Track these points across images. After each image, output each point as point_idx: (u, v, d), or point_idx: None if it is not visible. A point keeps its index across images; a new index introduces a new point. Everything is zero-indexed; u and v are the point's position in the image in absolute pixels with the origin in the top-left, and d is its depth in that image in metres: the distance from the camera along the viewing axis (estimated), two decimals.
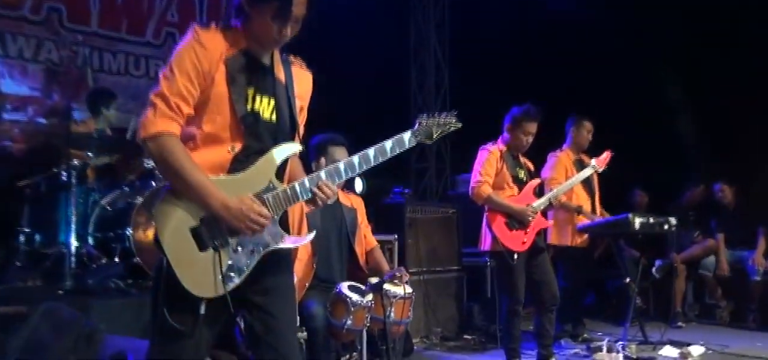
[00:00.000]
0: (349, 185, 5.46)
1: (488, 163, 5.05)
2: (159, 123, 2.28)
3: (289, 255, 2.60)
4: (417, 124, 2.70)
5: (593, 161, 5.60)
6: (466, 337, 6.42)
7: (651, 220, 5.76)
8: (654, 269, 7.32)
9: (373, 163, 2.56)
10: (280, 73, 2.57)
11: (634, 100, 8.20)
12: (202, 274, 2.31)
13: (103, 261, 4.96)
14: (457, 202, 7.10)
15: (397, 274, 4.18)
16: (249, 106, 2.42)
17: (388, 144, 2.57)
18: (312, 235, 2.69)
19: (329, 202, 2.54)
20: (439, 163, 9.95)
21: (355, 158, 2.54)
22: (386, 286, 4.07)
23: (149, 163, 5.36)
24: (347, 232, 4.39)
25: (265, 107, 2.47)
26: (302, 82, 2.66)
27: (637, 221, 5.58)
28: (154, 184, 5.17)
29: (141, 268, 4.72)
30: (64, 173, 5.03)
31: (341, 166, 2.52)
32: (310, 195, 2.48)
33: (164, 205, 2.32)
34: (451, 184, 9.32)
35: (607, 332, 6.45)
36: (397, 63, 9.68)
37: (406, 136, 2.63)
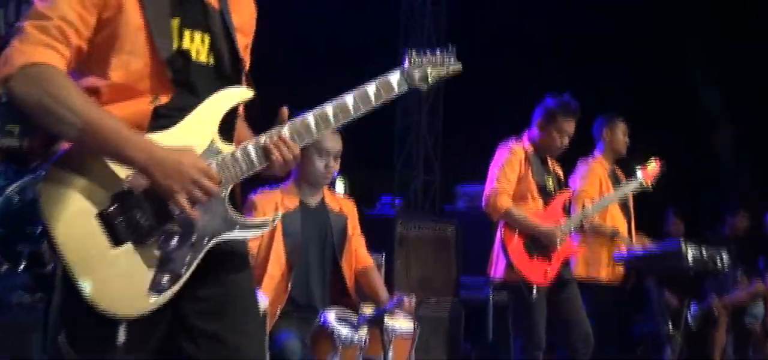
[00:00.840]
0: (330, 186, 4.98)
1: (509, 166, 4.61)
2: (31, 52, 1.83)
3: (244, 252, 2.18)
4: (407, 62, 2.30)
5: (639, 173, 5.11)
6: None
7: (704, 252, 5.21)
8: (689, 316, 6.82)
9: (353, 115, 2.17)
10: None
11: (662, 101, 7.78)
12: (118, 281, 1.86)
13: (4, 267, 4.28)
14: (457, 219, 6.64)
15: (406, 301, 3.74)
16: (175, 44, 2.01)
17: (370, 88, 2.20)
18: (277, 215, 2.22)
19: (287, 168, 2.11)
20: (428, 175, 9.41)
21: (329, 108, 2.14)
22: (387, 319, 3.55)
23: None
24: (333, 245, 3.94)
25: (197, 45, 2.06)
26: (242, 9, 2.24)
27: (690, 253, 5.03)
28: None
29: None
30: None
31: (311, 119, 2.11)
32: (266, 162, 2.06)
33: (54, 181, 1.85)
34: (440, 197, 8.80)
35: None
36: (384, 46, 9.12)
37: (395, 78, 2.26)
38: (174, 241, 1.91)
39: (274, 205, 3.71)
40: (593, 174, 5.54)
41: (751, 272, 7.09)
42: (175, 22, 2.00)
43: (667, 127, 7.54)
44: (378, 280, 4.10)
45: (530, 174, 4.68)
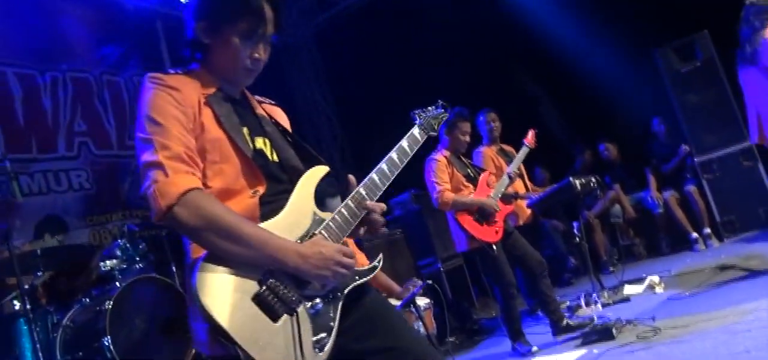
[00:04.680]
0: None
1: (440, 171, 4.62)
2: (180, 181, 1.64)
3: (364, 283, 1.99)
4: (418, 119, 2.25)
5: (525, 142, 5.20)
6: (448, 340, 5.67)
7: (583, 180, 5.37)
8: (576, 231, 6.97)
9: (400, 166, 2.05)
10: (259, 110, 2.01)
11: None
12: (288, 349, 1.63)
13: None
14: (400, 223, 6.58)
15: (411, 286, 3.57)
16: (251, 146, 1.85)
17: (404, 143, 2.11)
18: (380, 258, 1.96)
19: (383, 220, 1.92)
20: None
21: (383, 165, 2.01)
22: (417, 300, 3.46)
23: (107, 265, 4.29)
24: None
25: (264, 147, 1.90)
26: (281, 117, 2.12)
27: (578, 183, 5.19)
28: (118, 285, 4.13)
29: None
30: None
31: (375, 176, 1.96)
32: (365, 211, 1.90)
33: (208, 278, 1.60)
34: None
35: (561, 295, 5.98)
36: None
37: (416, 131, 2.19)
38: (317, 303, 1.74)
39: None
40: (487, 158, 5.56)
41: (603, 188, 7.33)
42: (246, 130, 1.86)
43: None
44: (387, 278, 4.04)
45: (455, 171, 4.70)
